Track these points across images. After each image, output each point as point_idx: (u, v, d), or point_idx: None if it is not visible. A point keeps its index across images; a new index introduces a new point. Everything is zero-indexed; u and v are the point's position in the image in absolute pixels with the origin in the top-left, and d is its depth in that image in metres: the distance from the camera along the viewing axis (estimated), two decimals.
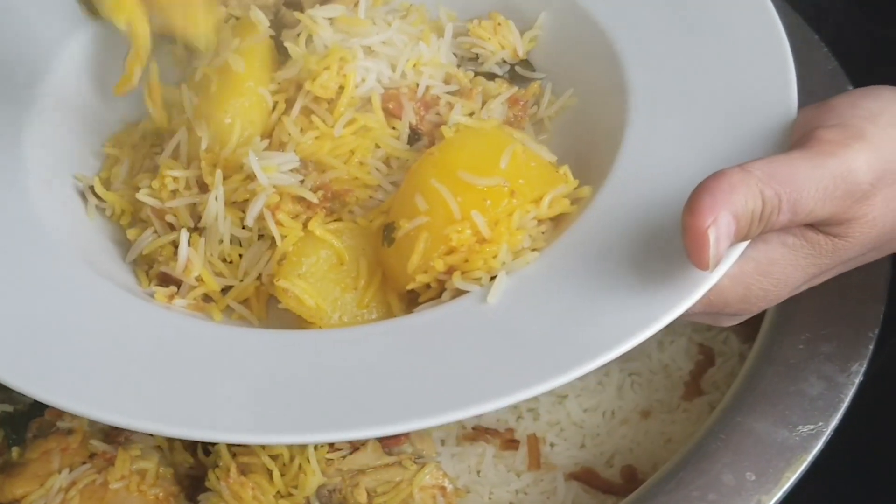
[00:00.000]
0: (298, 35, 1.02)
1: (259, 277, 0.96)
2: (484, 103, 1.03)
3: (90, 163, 1.06)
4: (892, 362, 0.97)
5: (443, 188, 0.91)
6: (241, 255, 0.97)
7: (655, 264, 0.86)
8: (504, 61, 1.09)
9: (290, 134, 0.98)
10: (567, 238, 0.91)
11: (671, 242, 0.86)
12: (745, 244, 0.86)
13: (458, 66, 1.08)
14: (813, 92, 1.00)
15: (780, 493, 0.97)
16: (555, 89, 1.07)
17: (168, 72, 1.09)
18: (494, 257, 0.91)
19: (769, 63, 0.97)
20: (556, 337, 0.84)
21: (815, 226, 0.88)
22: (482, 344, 0.85)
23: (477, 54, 1.09)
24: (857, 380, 1.03)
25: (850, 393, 1.02)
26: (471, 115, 1.01)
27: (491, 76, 1.07)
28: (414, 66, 1.02)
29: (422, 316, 0.89)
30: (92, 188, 1.02)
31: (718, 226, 0.82)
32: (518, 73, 1.09)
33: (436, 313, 0.88)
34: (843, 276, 0.96)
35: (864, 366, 1.03)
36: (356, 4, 1.05)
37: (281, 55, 1.04)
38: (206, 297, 0.97)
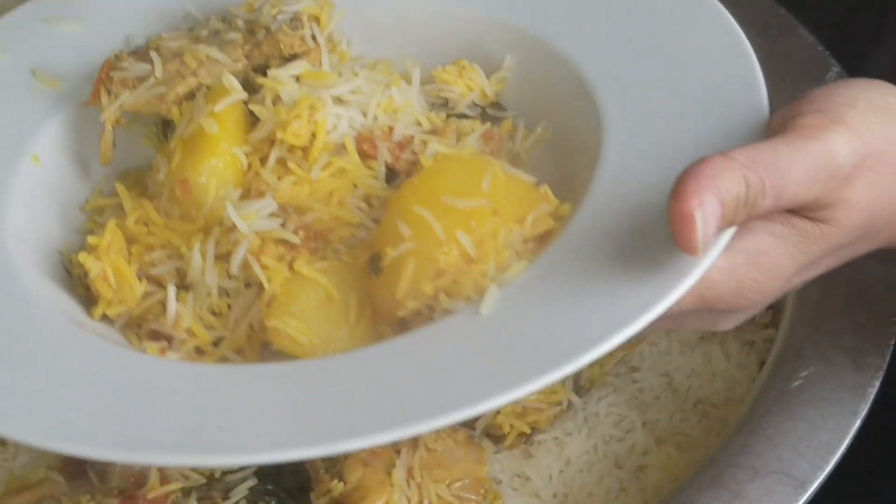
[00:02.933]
0: (264, 98, 1.03)
1: (251, 326, 0.96)
2: (458, 141, 1.04)
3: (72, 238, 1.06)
4: None
5: (426, 213, 0.91)
6: (230, 306, 0.96)
7: (644, 260, 0.86)
8: (474, 104, 1.10)
9: (267, 183, 0.98)
10: (554, 248, 0.91)
11: (658, 239, 0.86)
12: (731, 232, 0.86)
13: (430, 111, 1.08)
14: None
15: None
16: (527, 125, 1.08)
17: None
18: (484, 276, 0.90)
19: (736, 71, 0.98)
20: (549, 335, 0.83)
21: (800, 212, 0.89)
22: (477, 350, 0.84)
23: (446, 99, 1.10)
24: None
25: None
26: None
27: (462, 117, 1.08)
28: (385, 110, 1.03)
29: (414, 335, 0.88)
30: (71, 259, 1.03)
31: (704, 209, 0.82)
32: (489, 114, 1.10)
33: (427, 330, 0.88)
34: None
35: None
36: (320, 63, 1.06)
37: (252, 120, 1.05)
38: (199, 351, 0.96)
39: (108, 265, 0.98)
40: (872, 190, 0.89)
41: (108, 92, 1.08)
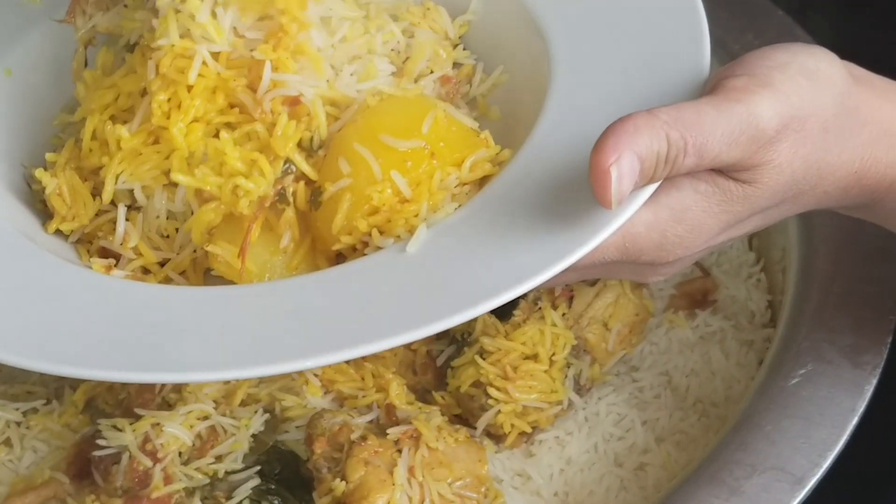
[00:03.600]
0: None
1: (195, 250, 0.99)
2: (416, 82, 1.06)
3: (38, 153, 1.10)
4: None
5: (364, 151, 0.94)
6: (178, 230, 1.00)
7: (569, 211, 0.89)
8: None
9: None
10: (486, 193, 0.94)
11: (585, 191, 0.89)
12: (653, 187, 0.89)
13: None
14: None
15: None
16: (487, 69, 1.10)
17: None
18: (416, 216, 0.93)
19: (685, 31, 1.00)
20: (465, 277, 0.87)
21: (725, 172, 0.91)
22: (396, 287, 0.88)
23: None
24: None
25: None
26: None
27: None
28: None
29: (337, 269, 0.92)
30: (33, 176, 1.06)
31: (621, 164, 0.85)
32: None
33: (352, 265, 0.92)
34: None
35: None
36: None
37: None
38: (145, 270, 1.00)
39: (64, 182, 1.01)
40: (796, 153, 0.91)
41: (84, 12, 1.11)
